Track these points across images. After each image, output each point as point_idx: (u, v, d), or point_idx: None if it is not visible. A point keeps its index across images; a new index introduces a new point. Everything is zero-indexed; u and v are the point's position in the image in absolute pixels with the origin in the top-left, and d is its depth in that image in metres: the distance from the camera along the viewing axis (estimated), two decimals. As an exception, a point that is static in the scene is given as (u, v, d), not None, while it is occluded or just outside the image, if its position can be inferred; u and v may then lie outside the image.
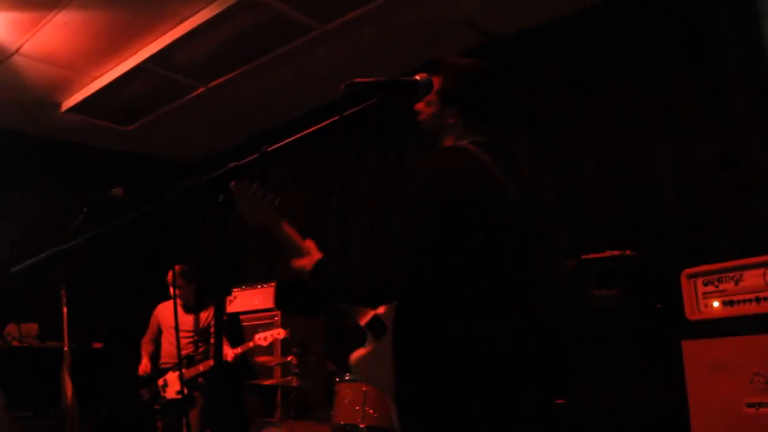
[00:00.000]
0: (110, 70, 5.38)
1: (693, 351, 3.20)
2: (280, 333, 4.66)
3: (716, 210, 3.77)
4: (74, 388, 5.17)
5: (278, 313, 5.25)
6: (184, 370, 5.12)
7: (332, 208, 5.91)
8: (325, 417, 4.24)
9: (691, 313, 3.32)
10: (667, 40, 4.11)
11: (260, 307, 5.40)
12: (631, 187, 4.12)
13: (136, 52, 5.11)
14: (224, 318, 4.83)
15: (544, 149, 4.56)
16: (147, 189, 6.61)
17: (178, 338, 4.58)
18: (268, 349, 4.92)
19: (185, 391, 5.12)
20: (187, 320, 5.32)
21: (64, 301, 5.30)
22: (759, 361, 2.97)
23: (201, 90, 5.65)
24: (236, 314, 5.50)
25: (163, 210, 1.62)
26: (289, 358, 4.47)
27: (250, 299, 5.49)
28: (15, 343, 5.40)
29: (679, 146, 3.96)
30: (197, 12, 4.56)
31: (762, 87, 3.67)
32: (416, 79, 1.78)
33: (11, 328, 5.49)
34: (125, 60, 5.22)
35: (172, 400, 5.12)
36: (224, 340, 5.23)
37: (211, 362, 5.03)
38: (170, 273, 5.39)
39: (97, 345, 6.11)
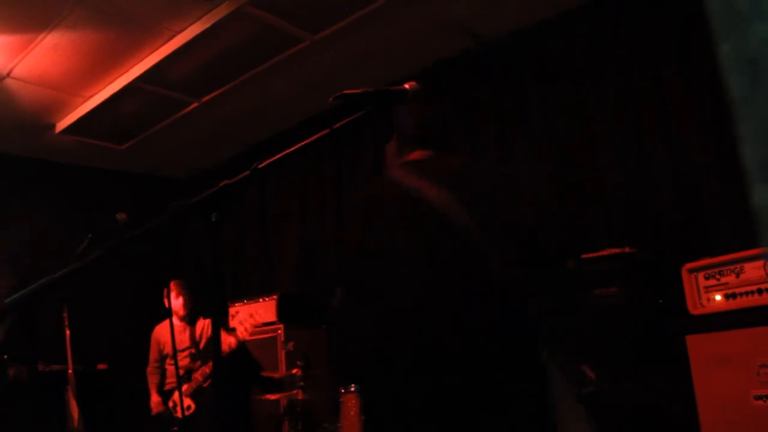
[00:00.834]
0: (102, 89, 5.38)
1: (697, 345, 3.19)
2: (254, 318, 4.68)
3: (714, 203, 3.76)
4: (80, 410, 5.16)
5: (281, 326, 5.24)
6: (186, 386, 5.11)
7: (329, 214, 5.89)
8: (332, 429, 4.22)
9: (694, 308, 3.31)
10: (660, 36, 4.11)
11: (263, 321, 5.38)
12: (627, 184, 4.12)
13: (127, 71, 5.11)
14: (231, 342, 4.82)
15: (539, 149, 4.56)
16: (144, 207, 6.58)
17: (176, 359, 4.57)
18: (273, 362, 4.92)
19: (192, 405, 5.10)
20: (184, 338, 5.32)
21: (66, 323, 5.28)
22: (764, 352, 2.96)
23: (194, 105, 5.66)
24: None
25: (156, 231, 1.61)
26: (293, 371, 4.45)
27: (251, 312, 5.47)
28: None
29: (674, 141, 3.96)
30: (187, 27, 4.56)
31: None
32: (405, 88, 1.77)
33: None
34: (117, 79, 5.22)
35: (185, 417, 5.11)
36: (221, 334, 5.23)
37: (206, 370, 5.02)
38: (171, 287, 5.39)
39: (102, 366, 6.09)
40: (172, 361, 5.33)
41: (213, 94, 5.48)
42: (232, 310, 5.66)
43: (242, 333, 4.71)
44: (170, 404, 5.17)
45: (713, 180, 3.77)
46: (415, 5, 4.42)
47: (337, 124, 1.67)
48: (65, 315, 5.30)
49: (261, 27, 4.53)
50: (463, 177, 2.02)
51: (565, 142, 4.44)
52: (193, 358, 5.20)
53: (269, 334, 5.21)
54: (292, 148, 1.63)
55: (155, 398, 5.28)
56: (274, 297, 5.41)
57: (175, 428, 5.13)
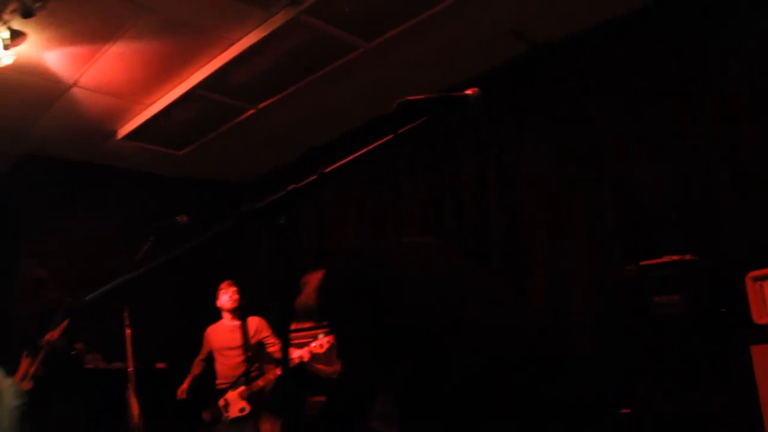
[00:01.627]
0: (163, 96, 5.53)
1: (763, 356, 3.10)
2: (322, 346, 4.74)
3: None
4: (140, 407, 5.29)
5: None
6: (243, 388, 5.21)
7: (386, 225, 5.92)
8: (384, 430, 4.22)
9: (759, 317, 3.23)
10: (720, 42, 4.02)
11: (315, 323, 5.43)
12: (688, 190, 4.03)
13: (187, 78, 5.24)
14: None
15: (595, 155, 4.50)
16: (202, 211, 6.74)
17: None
18: (328, 362, 4.96)
19: (247, 408, 5.20)
20: (235, 336, 5.43)
21: (127, 322, 5.41)
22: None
23: (251, 111, 5.77)
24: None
25: (224, 233, 1.66)
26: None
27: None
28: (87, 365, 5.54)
29: (736, 146, 3.86)
30: (244, 36, 4.66)
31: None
32: (467, 94, 1.78)
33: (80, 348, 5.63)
34: (177, 86, 5.36)
35: (236, 418, 5.21)
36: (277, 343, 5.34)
37: (270, 377, 5.12)
38: (221, 286, 5.53)
39: (161, 365, 6.24)
40: (223, 360, 5.46)
41: (269, 101, 5.58)
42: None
43: (317, 348, 4.79)
44: (221, 403, 5.28)
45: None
46: (468, 12, 4.42)
47: (401, 130, 1.68)
48: (126, 315, 5.44)
49: (316, 35, 4.59)
50: None
51: (622, 147, 4.37)
52: (247, 359, 5.30)
53: (323, 338, 5.24)
54: (358, 153, 1.66)
55: (184, 386, 5.45)
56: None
57: (222, 427, 5.26)
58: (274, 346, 5.40)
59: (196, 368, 5.67)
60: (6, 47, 4.31)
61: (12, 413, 5.01)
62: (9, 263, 6.23)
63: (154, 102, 5.64)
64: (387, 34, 4.63)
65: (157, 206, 6.64)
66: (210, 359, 5.62)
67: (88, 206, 6.62)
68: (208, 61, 5.02)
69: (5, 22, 4.16)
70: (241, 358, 5.37)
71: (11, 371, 5.12)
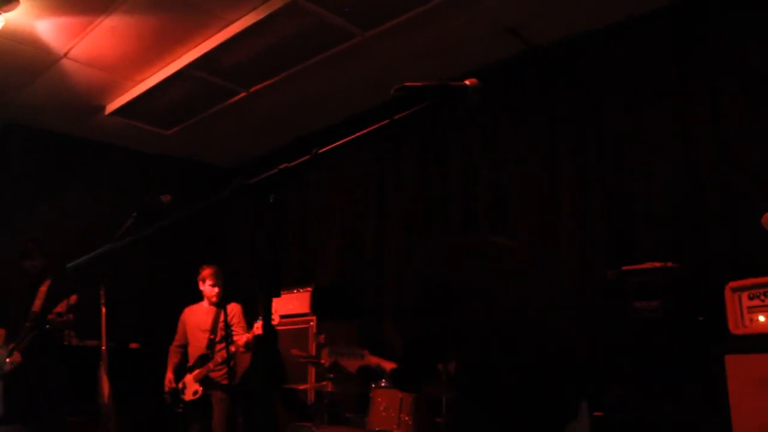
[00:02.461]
0: (154, 74, 5.48)
1: (737, 366, 3.13)
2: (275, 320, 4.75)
3: (761, 223, 3.69)
4: (111, 387, 5.25)
5: (314, 318, 5.28)
6: (197, 371, 5.20)
7: (370, 217, 5.92)
8: (358, 422, 4.23)
9: (735, 327, 3.26)
10: (718, 54, 4.05)
11: (296, 312, 5.42)
12: (674, 198, 4.06)
13: (179, 57, 5.19)
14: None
15: (586, 157, 4.52)
16: (186, 192, 6.70)
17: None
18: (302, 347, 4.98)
19: (200, 390, 5.17)
20: (207, 319, 5.40)
21: (103, 300, 5.37)
22: (807, 378, 2.90)
23: (243, 95, 5.72)
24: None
25: (213, 208, 1.65)
26: (322, 361, 4.48)
27: (285, 304, 5.52)
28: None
29: (724, 157, 3.90)
30: (241, 17, 4.62)
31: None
32: (466, 84, 1.78)
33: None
34: (169, 64, 5.31)
35: (191, 401, 5.19)
36: (242, 331, 5.31)
37: (218, 359, 5.12)
38: (204, 269, 5.48)
39: (134, 345, 6.19)
40: (195, 341, 5.43)
41: (262, 85, 5.54)
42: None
43: (257, 329, 4.79)
44: (180, 385, 5.27)
45: (762, 199, 3.70)
46: (466, 8, 4.42)
47: (398, 115, 1.67)
48: (102, 292, 5.39)
49: (313, 21, 4.56)
50: None
51: (613, 152, 4.39)
52: (209, 343, 5.28)
53: (301, 326, 5.24)
54: (354, 135, 1.65)
55: (169, 375, 5.40)
56: (309, 289, 5.45)
57: (179, 409, 5.23)
58: (237, 335, 5.34)
59: (175, 356, 5.58)
60: (-3, 11, 4.25)
61: None
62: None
63: (144, 79, 5.58)
64: (384, 25, 4.61)
65: (142, 184, 6.60)
66: (186, 344, 5.57)
67: (72, 179, 6.55)
68: (202, 41, 4.97)
69: (-2, -13, 4.10)
70: (207, 343, 5.35)
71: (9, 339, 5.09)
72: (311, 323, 5.25)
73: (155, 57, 5.23)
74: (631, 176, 4.29)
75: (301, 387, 4.78)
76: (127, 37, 4.89)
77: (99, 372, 5.33)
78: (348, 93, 5.64)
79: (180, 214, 1.57)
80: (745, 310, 3.27)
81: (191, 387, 5.21)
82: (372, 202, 5.93)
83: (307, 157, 1.59)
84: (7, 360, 4.92)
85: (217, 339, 5.28)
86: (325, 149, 1.60)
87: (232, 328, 5.38)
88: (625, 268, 3.67)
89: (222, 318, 5.34)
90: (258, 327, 4.82)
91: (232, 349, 5.06)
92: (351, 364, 2.57)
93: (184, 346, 5.56)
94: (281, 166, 1.56)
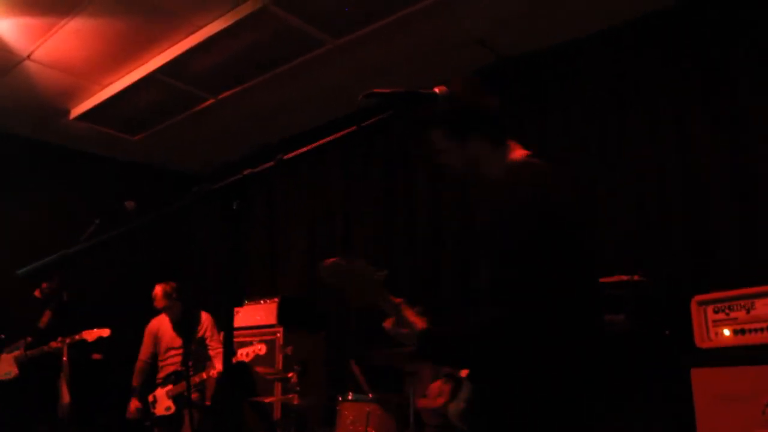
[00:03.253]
0: (120, 78, 5.37)
1: (702, 380, 3.14)
2: (261, 350, 4.68)
3: (727, 237, 3.74)
4: (71, 397, 5.12)
5: (280, 329, 5.21)
6: (171, 386, 5.09)
7: (337, 225, 5.87)
8: (325, 435, 4.18)
9: (701, 341, 3.28)
10: (684, 65, 4.11)
11: (262, 323, 5.35)
12: (640, 211, 4.09)
13: (146, 62, 5.10)
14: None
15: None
16: (152, 199, 6.58)
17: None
18: (270, 365, 4.88)
19: (173, 407, 5.07)
20: (175, 336, 5.31)
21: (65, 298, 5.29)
22: (770, 391, 2.91)
23: (211, 101, 5.65)
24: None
25: (174, 215, 1.59)
26: (289, 375, 4.41)
27: (252, 315, 5.44)
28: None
29: (690, 170, 3.94)
30: (210, 23, 4.56)
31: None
32: (435, 92, 1.75)
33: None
34: (135, 69, 5.22)
35: (162, 417, 5.08)
36: (217, 345, 5.23)
37: (196, 380, 5.01)
38: (155, 289, 5.39)
39: (96, 356, 6.04)
40: (166, 357, 5.33)
41: (230, 92, 5.47)
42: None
43: (242, 356, 4.71)
44: (150, 398, 5.15)
45: (729, 211, 3.74)
46: (436, 19, 4.42)
47: (365, 123, 1.64)
48: (65, 301, 5.28)
49: (283, 28, 4.52)
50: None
51: (579, 165, 4.41)
52: (183, 359, 5.18)
53: (268, 337, 5.17)
54: (319, 142, 1.61)
55: (134, 403, 5.27)
56: (276, 300, 5.38)
57: (147, 423, 5.12)
58: (214, 350, 5.25)
59: (141, 376, 5.45)
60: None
61: None
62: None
63: (110, 83, 5.48)
64: (355, 33, 4.59)
65: (108, 190, 6.46)
66: (155, 357, 5.45)
67: (35, 185, 6.38)
68: (170, 46, 4.89)
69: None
70: (177, 357, 5.25)
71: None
72: (278, 334, 5.17)
73: (122, 61, 5.13)
74: (596, 189, 4.31)
75: (268, 400, 4.70)
76: (92, 40, 4.79)
77: (59, 382, 5.21)
78: (318, 101, 5.60)
79: (141, 220, 1.52)
80: (710, 324, 3.29)
81: (163, 402, 5.10)
82: (339, 210, 5.89)
83: (271, 164, 1.55)
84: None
85: (193, 352, 5.19)
86: (289, 155, 1.56)
87: (207, 343, 5.29)
88: (592, 280, 3.66)
89: (199, 328, 5.26)
90: (242, 354, 4.74)
91: (207, 374, 4.97)
92: (355, 296, 1.95)
93: (151, 363, 5.44)
94: (245, 172, 1.52)
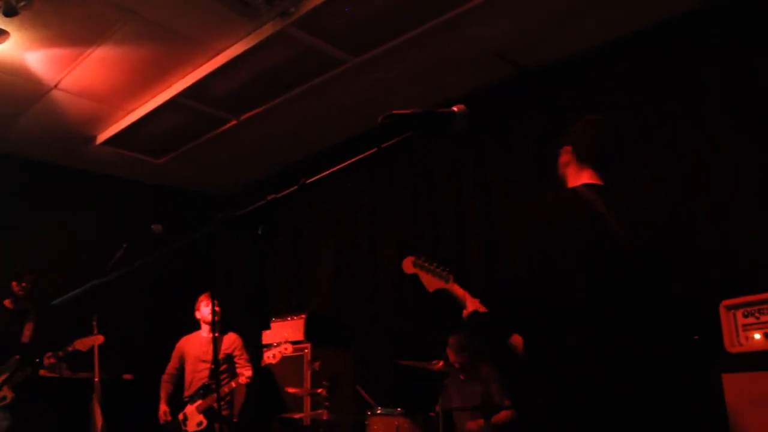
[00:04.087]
0: (144, 103, 5.49)
1: (734, 385, 3.11)
2: (287, 349, 4.68)
3: (755, 240, 3.70)
4: (104, 419, 5.18)
5: (308, 345, 5.23)
6: (200, 401, 5.13)
7: (362, 243, 5.91)
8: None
9: (731, 346, 3.24)
10: (704, 72, 4.08)
11: (290, 339, 5.38)
12: (666, 217, 4.06)
13: (169, 86, 5.21)
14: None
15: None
16: (177, 221, 6.67)
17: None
18: (298, 381, 4.91)
19: (204, 422, 5.11)
20: (208, 350, 5.35)
21: (95, 332, 5.33)
22: (804, 395, 2.88)
23: (233, 123, 5.74)
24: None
25: (202, 241, 1.63)
26: (319, 391, 4.44)
27: (279, 331, 5.48)
28: (45, 373, 5.40)
29: (716, 175, 3.91)
30: (230, 46, 4.64)
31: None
32: (453, 111, 1.78)
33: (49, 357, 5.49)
34: (159, 93, 5.33)
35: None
36: (245, 363, 5.28)
37: (225, 389, 5.05)
38: (200, 298, 5.44)
39: (128, 377, 6.12)
40: (195, 372, 5.37)
41: (252, 113, 5.55)
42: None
43: (269, 359, 4.73)
44: (180, 417, 5.19)
45: (756, 215, 3.71)
46: (455, 33, 4.45)
47: (385, 144, 1.67)
48: (94, 323, 5.35)
49: (303, 48, 4.59)
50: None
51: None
52: (212, 373, 5.22)
53: (296, 353, 5.19)
54: (341, 165, 1.64)
55: (163, 407, 5.32)
56: (303, 316, 5.42)
57: None
58: (242, 368, 5.29)
59: (167, 386, 5.52)
60: (-15, 44, 4.25)
61: None
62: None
63: (135, 108, 5.59)
64: (374, 51, 4.63)
65: (133, 214, 6.56)
66: (180, 372, 5.51)
67: (63, 210, 6.51)
68: (192, 70, 4.99)
69: (-13, 20, 4.10)
70: (207, 371, 5.29)
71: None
72: (306, 350, 5.20)
73: (145, 87, 5.25)
74: (622, 197, 4.28)
75: (297, 416, 4.72)
76: (117, 67, 4.91)
77: (92, 404, 5.27)
78: (339, 118, 5.65)
79: (167, 249, 1.56)
80: (740, 328, 3.26)
81: (194, 418, 5.14)
82: (364, 228, 5.92)
83: (294, 188, 1.58)
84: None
85: (220, 369, 5.23)
86: (312, 179, 1.60)
87: (235, 360, 5.34)
88: (618, 288, 3.64)
89: (225, 346, 5.31)
90: (269, 356, 4.76)
91: (236, 383, 5.02)
92: (431, 283, 2.44)
93: (176, 376, 5.50)
94: (268, 198, 1.55)
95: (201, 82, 5.01)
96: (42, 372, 5.24)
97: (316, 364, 4.96)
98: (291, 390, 4.80)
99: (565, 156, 2.39)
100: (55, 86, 5.14)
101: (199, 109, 5.48)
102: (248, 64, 4.76)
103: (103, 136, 6.04)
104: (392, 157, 5.62)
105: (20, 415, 4.92)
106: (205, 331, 5.48)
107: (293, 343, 5.19)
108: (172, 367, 5.55)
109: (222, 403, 5.10)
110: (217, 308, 5.40)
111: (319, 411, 4.33)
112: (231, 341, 5.39)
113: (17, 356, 4.98)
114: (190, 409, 5.18)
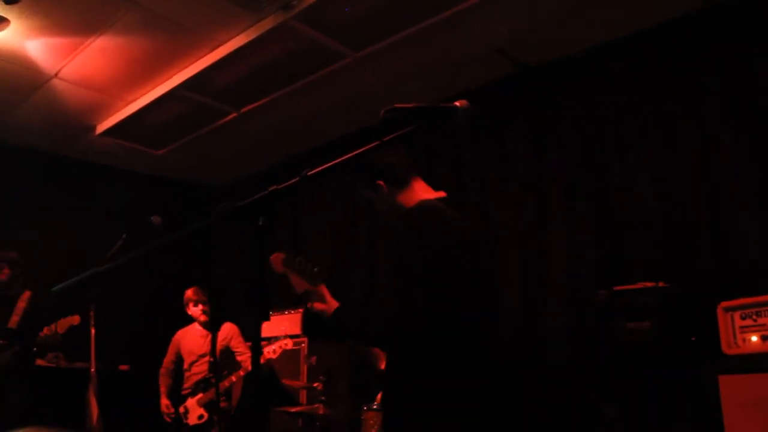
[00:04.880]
0: (144, 94, 5.47)
1: (730, 387, 3.11)
2: (287, 343, 4.68)
3: (753, 243, 3.70)
4: (99, 409, 5.18)
5: (305, 339, 5.24)
6: (201, 395, 5.13)
7: (360, 236, 5.90)
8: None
9: (728, 348, 3.25)
10: (703, 73, 4.08)
11: (288, 333, 5.37)
12: (665, 218, 4.06)
13: (170, 77, 5.19)
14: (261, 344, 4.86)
15: (575, 178, 4.53)
16: (177, 212, 6.66)
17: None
18: (295, 375, 4.90)
19: (205, 415, 5.12)
20: (204, 342, 5.36)
21: (92, 322, 5.33)
22: (801, 398, 2.88)
23: (233, 115, 5.72)
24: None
25: (203, 232, 1.63)
26: (315, 385, 4.44)
27: (277, 325, 5.48)
28: (42, 362, 5.38)
29: (716, 175, 3.91)
30: (232, 38, 4.62)
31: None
32: (456, 106, 1.77)
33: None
34: (159, 84, 5.30)
35: (196, 426, 5.12)
36: (245, 350, 5.28)
37: (226, 383, 5.05)
38: (186, 292, 5.44)
39: (124, 367, 6.12)
40: (192, 366, 5.37)
41: (253, 105, 5.53)
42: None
43: (269, 353, 4.73)
44: (181, 410, 5.20)
45: (754, 217, 3.71)
46: (456, 29, 4.44)
47: (387, 137, 1.67)
48: (92, 314, 5.35)
49: (304, 42, 4.57)
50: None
51: (601, 173, 4.40)
52: (211, 366, 5.22)
53: (294, 347, 5.19)
54: (343, 158, 1.64)
55: (165, 401, 5.32)
56: (300, 310, 5.42)
57: None
58: (242, 355, 5.31)
59: (166, 380, 5.52)
60: (-14, 31, 4.23)
61: None
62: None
63: (135, 99, 5.57)
64: (375, 46, 4.62)
65: (133, 204, 6.56)
66: (178, 366, 5.51)
67: (62, 199, 6.51)
68: (193, 62, 4.97)
69: (-13, 7, 4.08)
70: (205, 365, 5.29)
71: None
72: (303, 345, 5.20)
73: (146, 77, 5.23)
74: (621, 197, 4.29)
75: (294, 410, 4.72)
76: (117, 57, 4.89)
77: (87, 394, 5.27)
78: (340, 112, 5.64)
79: (166, 239, 1.55)
80: (737, 330, 3.26)
81: (195, 411, 5.15)
82: (363, 221, 5.91)
83: (296, 180, 1.58)
84: None
85: (219, 360, 5.23)
86: (314, 171, 1.59)
87: (233, 350, 5.35)
88: (616, 288, 3.65)
89: (221, 338, 5.31)
90: (269, 351, 4.75)
91: (237, 376, 5.02)
92: (299, 284, 2.36)
93: (173, 369, 5.51)
94: (270, 189, 1.55)
95: (202, 74, 4.98)
96: (39, 361, 5.23)
97: (313, 359, 4.97)
98: (288, 382, 4.80)
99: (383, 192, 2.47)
100: (56, 75, 5.12)
101: (199, 101, 5.46)
102: (249, 56, 4.74)
103: (102, 126, 6.02)
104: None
105: (7, 401, 4.87)
106: (198, 325, 5.49)
107: (291, 337, 5.20)
108: (168, 360, 5.56)
109: (222, 397, 5.10)
110: (206, 307, 5.38)
111: (316, 405, 4.33)
112: (226, 332, 5.39)
113: (2, 341, 4.92)
114: (190, 402, 5.19)
